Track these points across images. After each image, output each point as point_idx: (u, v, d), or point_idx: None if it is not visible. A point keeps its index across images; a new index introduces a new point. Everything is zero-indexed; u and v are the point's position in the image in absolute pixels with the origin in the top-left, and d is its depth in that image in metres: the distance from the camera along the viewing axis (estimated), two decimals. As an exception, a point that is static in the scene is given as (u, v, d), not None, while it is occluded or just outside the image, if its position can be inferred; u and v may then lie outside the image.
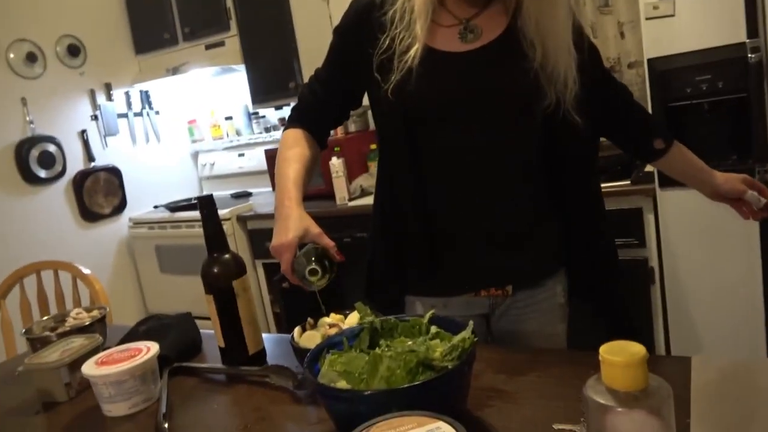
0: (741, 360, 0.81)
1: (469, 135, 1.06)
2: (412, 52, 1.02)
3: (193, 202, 3.53)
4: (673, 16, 1.90)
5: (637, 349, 0.46)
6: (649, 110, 2.00)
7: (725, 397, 0.74)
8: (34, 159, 3.11)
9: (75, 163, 3.33)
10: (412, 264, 1.14)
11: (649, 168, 2.20)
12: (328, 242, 1.00)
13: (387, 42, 1.04)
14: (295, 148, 1.14)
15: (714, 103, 1.93)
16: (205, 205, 1.06)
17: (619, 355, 0.46)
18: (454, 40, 1.06)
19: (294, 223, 1.01)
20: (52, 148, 3.20)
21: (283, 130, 1.20)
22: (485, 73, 1.05)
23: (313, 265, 0.97)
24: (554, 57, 1.01)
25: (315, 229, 1.01)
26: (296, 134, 1.17)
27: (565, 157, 1.13)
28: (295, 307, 2.94)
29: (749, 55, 1.78)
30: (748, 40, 1.80)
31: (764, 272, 1.92)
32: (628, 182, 2.19)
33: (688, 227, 2.03)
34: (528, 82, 1.02)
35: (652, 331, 2.23)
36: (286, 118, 1.22)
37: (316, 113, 1.19)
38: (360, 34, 1.09)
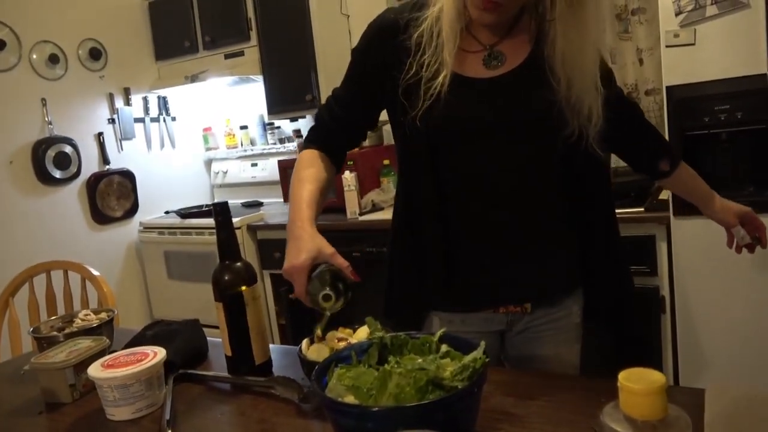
0: (756, 391, 0.79)
1: (492, 157, 1.08)
2: (440, 78, 1.02)
3: (205, 209, 3.54)
4: (693, 44, 1.90)
5: (657, 377, 0.45)
6: (666, 138, 1.99)
7: (739, 428, 0.72)
8: (50, 159, 3.14)
9: (90, 165, 3.36)
10: (431, 279, 1.14)
11: (663, 195, 2.19)
12: (342, 262, 0.98)
13: (414, 67, 1.04)
14: (310, 168, 1.14)
15: (732, 133, 1.92)
16: (221, 212, 1.06)
17: (639, 383, 0.45)
18: (479, 66, 1.08)
19: (306, 244, 0.99)
20: (68, 149, 3.23)
21: (300, 151, 1.20)
22: (510, 100, 1.06)
23: (327, 290, 0.95)
24: (579, 91, 1.02)
25: (328, 249, 0.99)
26: (312, 155, 1.17)
27: (584, 179, 1.14)
28: (300, 318, 2.93)
29: (769, 87, 1.77)
30: (768, 72, 1.79)
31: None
32: (642, 209, 2.18)
33: (702, 257, 2.00)
34: (551, 110, 1.03)
35: (660, 360, 2.20)
36: (303, 137, 1.23)
37: (334, 134, 1.19)
38: (383, 56, 1.09)
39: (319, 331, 1.04)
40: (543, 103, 1.03)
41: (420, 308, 1.19)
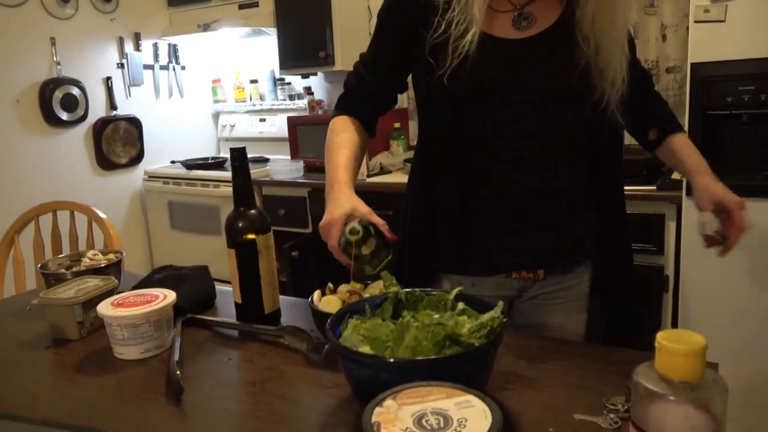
0: (766, 369, 0.79)
1: (516, 121, 1.06)
2: (468, 36, 1.00)
3: (211, 161, 3.52)
4: (723, 21, 1.85)
5: (697, 338, 0.44)
6: (686, 116, 1.96)
7: (755, 405, 0.72)
8: (57, 101, 3.10)
9: (97, 110, 3.32)
10: (446, 241, 1.13)
11: (676, 175, 2.17)
12: (378, 220, 0.97)
13: (443, 26, 1.02)
14: (344, 133, 1.14)
15: (754, 115, 1.89)
16: (238, 157, 1.04)
17: (679, 343, 0.44)
18: (508, 27, 1.05)
19: (343, 203, 1.00)
20: (75, 91, 3.19)
21: (332, 117, 1.19)
22: (539, 62, 1.04)
23: (355, 224, 0.94)
24: (607, 54, 1.01)
25: (364, 207, 0.99)
26: (344, 121, 1.16)
27: (604, 149, 1.13)
28: (302, 276, 2.94)
29: (797, 70, 1.74)
30: (797, 54, 1.75)
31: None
32: (654, 187, 2.16)
33: (711, 239, 1.99)
34: (578, 73, 1.02)
35: (659, 340, 2.21)
36: (326, 100, 1.23)
37: (364, 101, 1.18)
38: (410, 14, 1.07)
39: (330, 284, 1.04)
40: (571, 67, 1.01)
41: (432, 269, 1.18)
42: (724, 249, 1.08)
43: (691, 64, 1.92)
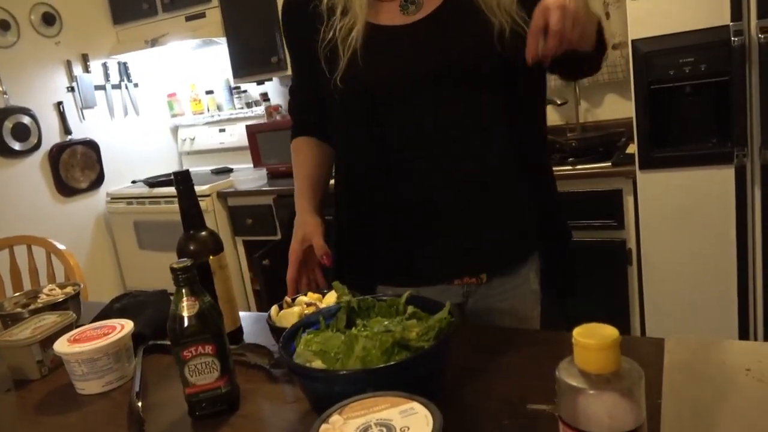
0: (713, 340, 0.82)
1: (429, 109, 1.02)
2: (354, 33, 1.00)
3: (171, 177, 3.48)
4: (657, -4, 1.90)
5: (610, 332, 0.46)
6: (632, 91, 2.00)
7: (697, 377, 0.75)
8: (7, 131, 3.04)
9: (51, 136, 3.26)
10: (379, 253, 1.11)
11: (630, 150, 2.21)
12: (318, 246, 1.09)
13: (330, 33, 1.03)
14: (299, 156, 1.22)
15: (696, 86, 1.94)
16: (181, 180, 1.04)
17: (592, 338, 0.46)
18: (396, 14, 1.03)
19: (297, 232, 1.14)
20: (26, 119, 3.13)
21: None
22: (432, 43, 1.01)
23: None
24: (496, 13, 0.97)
25: (314, 235, 1.12)
26: (297, 144, 1.23)
27: (529, 119, 1.08)
28: (275, 284, 2.94)
29: (732, 39, 1.78)
30: (731, 23, 1.80)
31: (738, 256, 1.95)
32: (609, 164, 2.20)
33: (667, 210, 2.05)
34: (475, 43, 0.99)
35: (628, 312, 2.27)
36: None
37: (307, 117, 1.21)
38: (301, 32, 1.09)
39: (288, 298, 1.05)
40: (466, 39, 0.99)
41: (372, 282, 1.13)
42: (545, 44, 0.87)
43: (632, 40, 1.96)
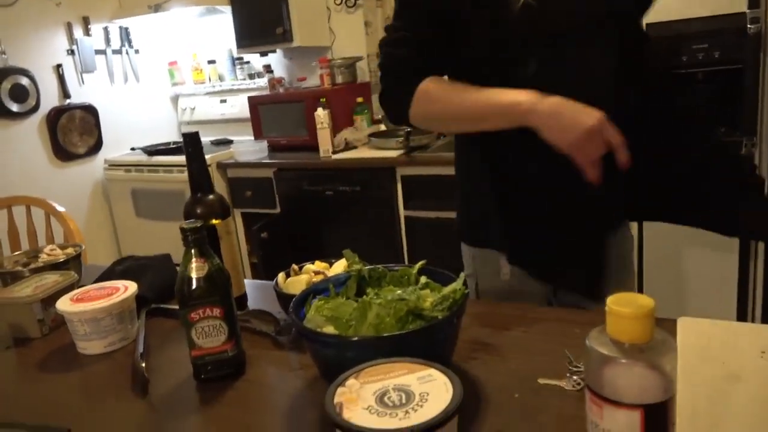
0: (726, 322, 0.81)
1: (579, 64, 0.98)
2: None
3: (172, 146, 3.45)
4: (674, -20, 1.87)
5: (645, 301, 0.45)
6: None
7: (710, 359, 0.74)
8: (5, 91, 2.99)
9: (49, 99, 3.21)
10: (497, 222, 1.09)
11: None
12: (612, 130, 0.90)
13: None
14: (450, 85, 1.01)
15: (708, 72, 1.92)
16: (191, 142, 1.02)
17: (627, 307, 0.44)
18: None
19: (578, 108, 0.90)
20: (25, 81, 3.07)
21: (409, 89, 1.03)
22: None
23: None
24: None
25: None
26: (436, 81, 1.02)
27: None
28: (272, 257, 2.92)
29: (749, 26, 1.76)
30: (748, 11, 1.77)
31: (741, 242, 1.94)
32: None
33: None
34: None
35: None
36: (385, 90, 1.05)
37: (430, 59, 1.03)
38: None
39: (295, 266, 1.03)
40: None
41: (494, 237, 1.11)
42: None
43: (647, 24, 1.93)
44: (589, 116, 0.88)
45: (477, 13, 0.97)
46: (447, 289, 0.77)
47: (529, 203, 1.07)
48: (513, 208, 1.08)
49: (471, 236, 1.18)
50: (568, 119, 0.89)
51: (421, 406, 0.52)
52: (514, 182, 1.07)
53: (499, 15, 0.95)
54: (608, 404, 0.45)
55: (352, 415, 0.52)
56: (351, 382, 0.57)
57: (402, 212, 2.66)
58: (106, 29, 3.48)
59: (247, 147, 3.12)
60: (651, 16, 1.92)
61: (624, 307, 0.44)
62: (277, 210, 2.99)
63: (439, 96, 1.01)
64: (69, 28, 3.29)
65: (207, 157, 3.34)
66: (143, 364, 0.87)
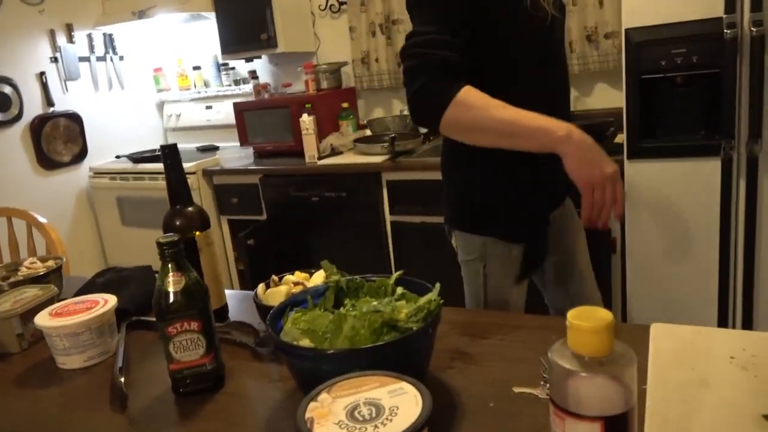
0: (698, 328, 0.83)
1: (556, 49, 1.24)
2: None
3: (158, 153, 3.43)
4: (653, -14, 1.89)
5: (604, 315, 0.46)
6: (623, 81, 2.00)
7: (682, 364, 0.75)
8: (-12, 100, 2.97)
9: (33, 107, 3.19)
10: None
11: (618, 140, 2.22)
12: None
13: None
14: (491, 101, 1.03)
15: (687, 77, 1.94)
16: (169, 154, 1.02)
17: (587, 321, 0.45)
18: None
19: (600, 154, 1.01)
20: (7, 89, 3.05)
21: (440, 98, 1.04)
22: None
23: None
24: None
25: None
26: (474, 91, 1.03)
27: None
28: (259, 264, 2.92)
29: (725, 31, 1.78)
30: (724, 16, 1.79)
31: (721, 246, 1.97)
32: (598, 153, 2.20)
33: (653, 200, 2.06)
34: None
35: (610, 300, 2.29)
36: (417, 88, 1.04)
37: (462, 62, 1.05)
38: None
39: (275, 276, 1.04)
40: None
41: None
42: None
43: (626, 30, 1.95)
44: (611, 164, 0.99)
45: (514, 18, 1.11)
46: (422, 300, 0.77)
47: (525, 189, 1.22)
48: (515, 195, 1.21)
49: (477, 224, 1.25)
50: (596, 158, 0.98)
51: (390, 420, 0.53)
52: (512, 170, 1.18)
53: (536, 22, 1.11)
54: (570, 417, 0.46)
55: (323, 430, 0.52)
56: (323, 396, 0.58)
57: (388, 217, 2.67)
58: (89, 36, 3.46)
59: (233, 153, 3.12)
60: (630, 21, 1.95)
61: (584, 321, 0.45)
62: (264, 216, 2.99)
63: (477, 104, 1.02)
64: (52, 35, 3.27)
65: (192, 164, 3.34)
66: (122, 379, 0.87)
